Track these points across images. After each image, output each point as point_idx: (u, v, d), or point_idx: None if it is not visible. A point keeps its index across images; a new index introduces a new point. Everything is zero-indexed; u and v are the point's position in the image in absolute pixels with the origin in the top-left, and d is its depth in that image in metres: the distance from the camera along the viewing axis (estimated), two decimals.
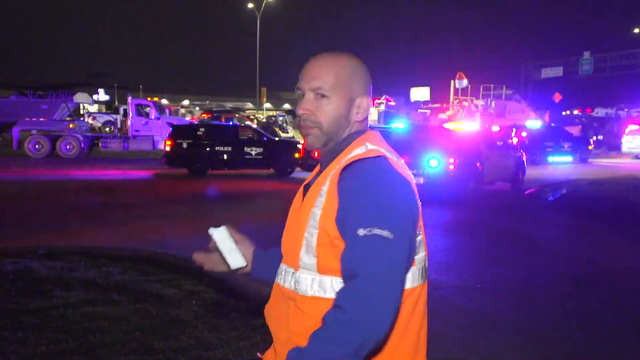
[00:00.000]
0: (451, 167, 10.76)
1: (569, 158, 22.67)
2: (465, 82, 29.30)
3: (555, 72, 43.14)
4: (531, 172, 15.37)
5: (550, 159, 22.28)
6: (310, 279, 1.17)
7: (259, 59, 41.26)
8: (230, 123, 19.80)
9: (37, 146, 20.44)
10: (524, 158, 13.69)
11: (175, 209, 9.54)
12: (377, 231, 1.05)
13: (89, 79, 54.07)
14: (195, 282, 4.73)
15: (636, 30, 43.58)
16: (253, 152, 15.20)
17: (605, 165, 22.19)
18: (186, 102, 72.90)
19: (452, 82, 29.90)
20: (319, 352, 1.01)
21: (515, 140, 14.05)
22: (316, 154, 1.52)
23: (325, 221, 1.14)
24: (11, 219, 8.16)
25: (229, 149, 15.06)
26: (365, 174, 1.13)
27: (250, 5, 40.54)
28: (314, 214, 1.18)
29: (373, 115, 31.71)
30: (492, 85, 30.31)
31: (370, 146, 1.22)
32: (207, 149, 15.02)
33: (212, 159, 15.05)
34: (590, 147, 24.19)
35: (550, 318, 4.31)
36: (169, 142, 15.09)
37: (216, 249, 1.44)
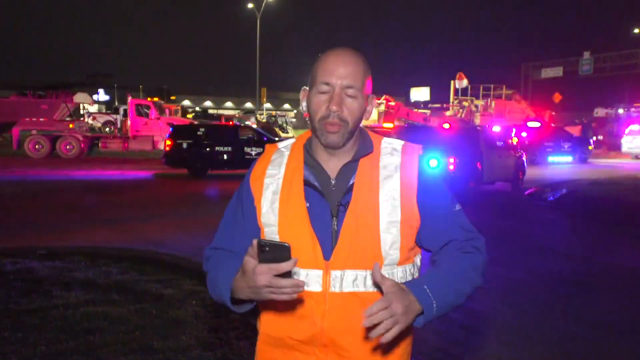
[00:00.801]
0: (451, 167, 10.77)
1: (569, 158, 22.69)
2: (465, 82, 29.37)
3: (555, 72, 43.17)
4: (531, 172, 15.40)
5: (551, 159, 22.30)
6: (402, 269, 1.29)
7: (259, 59, 41.30)
8: (231, 123, 19.77)
9: (37, 146, 20.45)
10: (524, 158, 13.70)
11: (175, 209, 9.54)
12: (459, 206, 1.41)
13: (89, 79, 54.00)
14: (195, 282, 4.73)
15: (636, 30, 43.62)
16: (253, 152, 15.17)
17: (605, 165, 22.20)
18: (186, 102, 73.03)
19: (452, 82, 29.92)
20: (468, 282, 1.26)
21: (515, 140, 14.05)
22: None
23: (406, 207, 1.28)
24: (11, 219, 8.16)
25: (229, 149, 15.05)
26: (428, 164, 1.42)
27: (250, 5, 40.58)
28: (394, 205, 1.26)
29: (373, 115, 31.71)
30: (492, 86, 30.39)
31: (404, 141, 1.42)
32: (207, 149, 15.03)
33: (212, 159, 15.05)
34: (590, 147, 24.21)
35: (550, 317, 4.31)
36: (169, 142, 15.08)
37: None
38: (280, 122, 33.83)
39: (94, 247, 6.28)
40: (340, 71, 1.24)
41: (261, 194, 1.29)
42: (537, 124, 24.09)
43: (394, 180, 1.28)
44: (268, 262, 1.07)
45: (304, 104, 1.36)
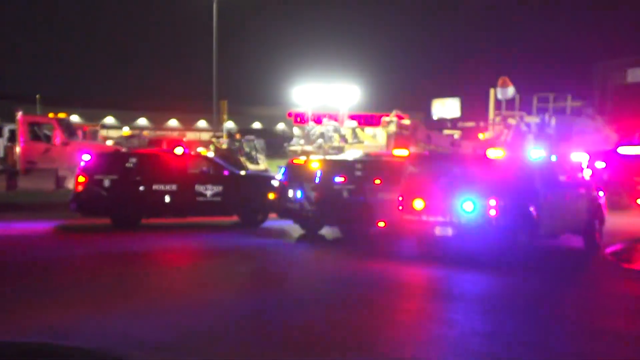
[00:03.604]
0: (492, 212, 10.88)
1: None
2: (511, 90, 29.84)
3: None
4: (614, 221, 15.38)
5: None
6: None
7: (216, 58, 41.92)
8: (177, 150, 19.96)
9: None
10: (603, 200, 13.83)
11: (89, 280, 9.47)
12: None
13: None
14: None
15: None
16: (208, 193, 15.33)
17: None
18: (110, 119, 73.40)
19: (491, 91, 30.37)
20: None
21: (588, 173, 14.12)
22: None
23: None
24: None
25: (173, 187, 15.18)
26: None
27: None
28: None
29: (379, 138, 31.98)
30: (551, 96, 30.82)
31: None
32: (141, 188, 15.11)
33: (148, 203, 15.14)
34: None
35: None
36: (82, 179, 15.14)
37: None
38: (247, 149, 34.02)
39: None
40: None
41: None
42: (629, 150, 23.58)
43: None
44: None
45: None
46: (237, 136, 40.01)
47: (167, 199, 15.17)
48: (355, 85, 48.84)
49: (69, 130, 22.72)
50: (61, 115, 23.77)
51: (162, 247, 12.69)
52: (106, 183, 15.01)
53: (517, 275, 10.25)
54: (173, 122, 78.78)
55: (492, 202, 10.88)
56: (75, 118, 57.63)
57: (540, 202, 11.78)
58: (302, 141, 39.00)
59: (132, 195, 15.08)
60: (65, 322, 6.91)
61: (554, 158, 13.07)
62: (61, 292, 8.43)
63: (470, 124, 30.72)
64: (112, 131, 62.09)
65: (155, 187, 15.13)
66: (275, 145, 47.30)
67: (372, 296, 8.76)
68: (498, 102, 30.29)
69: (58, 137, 21.40)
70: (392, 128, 25.16)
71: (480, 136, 28.26)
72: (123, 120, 71.58)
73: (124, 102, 75.02)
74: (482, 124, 30.09)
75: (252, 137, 37.62)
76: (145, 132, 54.64)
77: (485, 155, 11.70)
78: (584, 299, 9.04)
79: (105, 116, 73.16)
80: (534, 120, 29.22)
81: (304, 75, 53.57)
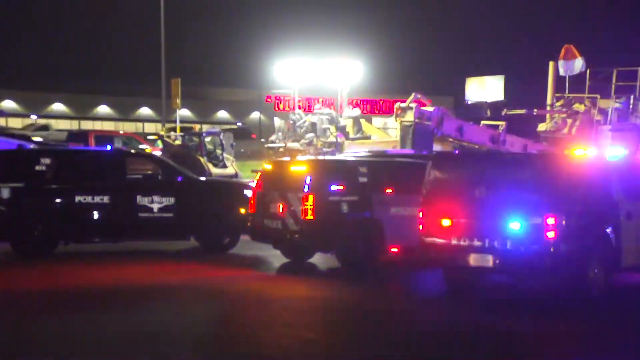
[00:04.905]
0: (551, 234, 10.78)
1: None
2: (579, 63, 29.72)
3: None
4: None
5: None
6: None
7: (163, 21, 41.78)
8: (109, 147, 19.82)
9: None
10: None
11: None
12: None
13: None
14: None
15: None
16: (155, 207, 15.30)
17: None
18: (9, 103, 72.93)
19: (550, 65, 30.37)
20: None
21: None
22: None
23: None
24: None
25: (105, 199, 15.11)
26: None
27: None
28: None
29: (391, 131, 31.92)
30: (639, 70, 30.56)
31: None
32: (57, 200, 15.03)
33: (67, 221, 15.04)
34: None
35: None
36: None
37: None
38: (210, 147, 33.83)
39: None
40: None
41: None
42: None
43: None
44: None
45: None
46: (196, 128, 40.01)
47: (96, 215, 15.11)
48: (358, 60, 48.77)
49: None
50: None
51: (78, 287, 12.38)
52: (4, 193, 14.88)
53: (586, 323, 10.13)
54: (104, 109, 78.30)
55: (551, 221, 10.76)
56: None
57: (621, 220, 11.72)
58: (285, 135, 38.91)
59: (44, 210, 15.01)
60: None
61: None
62: None
63: (520, 111, 30.60)
64: (13, 120, 61.73)
65: (78, 198, 15.00)
66: (249, 142, 47.26)
67: None
68: (560, 81, 30.23)
69: None
70: (410, 117, 25.08)
71: (542, 127, 28.12)
72: (30, 106, 71.04)
73: (31, 80, 74.24)
74: (535, 110, 29.99)
75: (216, 129, 37.48)
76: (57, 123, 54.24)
77: (540, 154, 11.65)
78: None
79: (1, 99, 72.53)
80: (612, 105, 29.09)
81: (289, 46, 53.58)
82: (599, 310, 10.80)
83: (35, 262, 14.41)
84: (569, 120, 27.87)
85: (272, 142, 38.31)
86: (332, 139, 34.77)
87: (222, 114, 78.42)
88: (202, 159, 31.19)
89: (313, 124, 36.79)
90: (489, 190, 11.36)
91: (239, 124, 69.69)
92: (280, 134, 40.03)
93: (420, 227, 11.80)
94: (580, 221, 11.16)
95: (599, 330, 9.83)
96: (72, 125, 65.35)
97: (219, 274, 13.62)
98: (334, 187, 13.88)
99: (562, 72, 30.15)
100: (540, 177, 11.40)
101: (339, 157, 20.23)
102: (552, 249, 10.76)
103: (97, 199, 15.08)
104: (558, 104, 29.65)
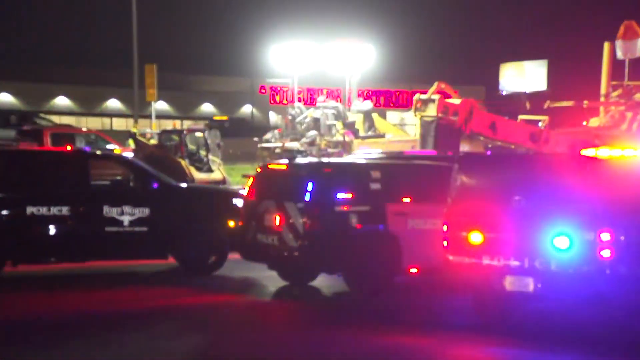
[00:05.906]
0: (606, 253, 10.71)
1: None
2: None
3: None
4: None
5: None
6: None
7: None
8: (69, 148, 19.78)
9: None
10: None
11: None
12: None
13: None
14: None
15: None
16: (126, 219, 15.33)
17: None
18: None
19: (605, 46, 30.26)
20: None
21: None
22: None
23: None
24: None
25: (64, 211, 15.13)
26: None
27: None
28: None
29: (408, 131, 31.93)
30: None
31: None
32: (4, 212, 15.07)
33: (17, 237, 15.04)
34: None
35: None
36: None
37: None
38: (192, 147, 33.85)
39: None
40: None
41: None
42: None
43: None
44: None
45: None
46: (175, 125, 40.02)
47: (52, 230, 15.12)
48: (370, 43, 49.02)
49: None
50: None
51: (26, 318, 12.31)
52: None
53: None
54: (62, 101, 78.44)
55: (606, 237, 10.67)
56: None
57: None
58: (282, 133, 38.98)
59: None
60: None
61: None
62: None
63: (566, 103, 30.51)
64: None
65: (30, 210, 14.97)
66: (239, 141, 47.36)
67: None
68: (617, 65, 30.13)
69: None
70: (432, 112, 25.06)
71: (594, 122, 28.01)
72: None
73: None
74: (586, 103, 29.88)
75: (199, 126, 37.54)
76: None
77: (591, 156, 11.55)
78: None
79: None
80: None
81: (287, 27, 53.84)
82: None
83: None
84: (629, 114, 27.76)
85: (267, 141, 38.45)
86: (338, 137, 34.89)
87: (207, 108, 78.83)
88: (182, 162, 31.22)
89: (316, 120, 36.88)
90: (529, 199, 11.27)
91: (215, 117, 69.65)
92: (276, 131, 40.10)
93: (445, 243, 11.78)
94: None
95: None
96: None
97: (201, 300, 13.63)
98: (340, 196, 13.88)
99: (620, 55, 30.16)
100: (592, 184, 11.33)
101: (346, 159, 20.23)
102: (607, 271, 10.64)
103: (53, 210, 15.01)
104: (615, 93, 29.62)
